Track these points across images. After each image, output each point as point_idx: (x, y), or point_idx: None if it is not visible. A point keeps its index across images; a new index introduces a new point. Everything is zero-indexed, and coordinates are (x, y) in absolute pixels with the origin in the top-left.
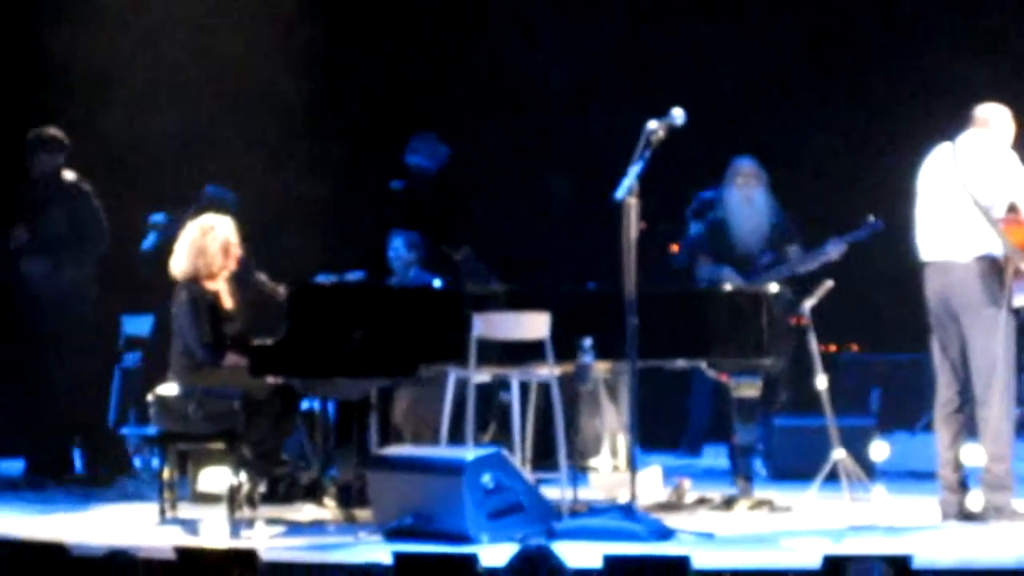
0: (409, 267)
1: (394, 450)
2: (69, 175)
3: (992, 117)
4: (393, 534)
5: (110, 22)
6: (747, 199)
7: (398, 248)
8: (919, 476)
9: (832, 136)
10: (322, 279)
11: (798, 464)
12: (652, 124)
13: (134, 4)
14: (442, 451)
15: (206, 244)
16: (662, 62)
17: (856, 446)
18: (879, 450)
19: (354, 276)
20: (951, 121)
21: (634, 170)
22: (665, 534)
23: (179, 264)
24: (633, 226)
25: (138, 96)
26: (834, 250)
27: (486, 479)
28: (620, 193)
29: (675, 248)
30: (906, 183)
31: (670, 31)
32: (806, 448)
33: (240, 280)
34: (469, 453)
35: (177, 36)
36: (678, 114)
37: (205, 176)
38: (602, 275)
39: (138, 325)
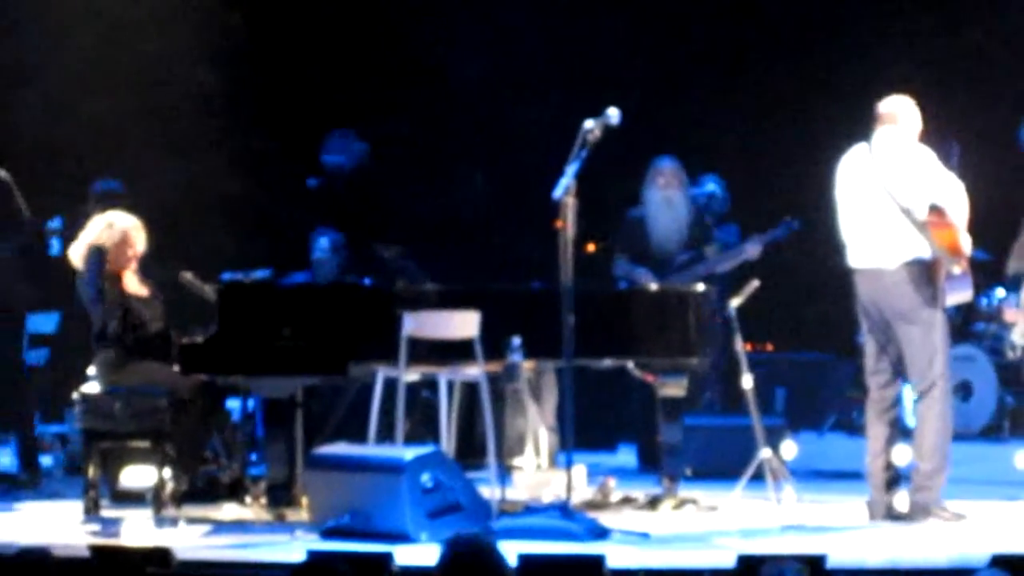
0: (331, 268)
1: (331, 449)
2: None
3: (899, 111)
4: (330, 533)
5: (25, 15)
6: (667, 200)
7: (325, 249)
8: (827, 476)
9: (747, 135)
10: (227, 277)
11: (714, 463)
12: (588, 123)
13: None
14: (380, 450)
15: (105, 241)
16: (575, 58)
17: (751, 445)
18: (788, 450)
19: (260, 274)
20: (865, 120)
21: (571, 169)
22: (601, 533)
23: (79, 256)
24: (570, 225)
25: (54, 90)
26: (752, 250)
27: (425, 478)
28: (558, 192)
29: (591, 248)
30: (821, 183)
31: (583, 26)
32: (722, 447)
33: (152, 274)
34: (408, 452)
35: (94, 29)
36: (613, 113)
37: (120, 170)
38: (521, 272)
39: (42, 323)
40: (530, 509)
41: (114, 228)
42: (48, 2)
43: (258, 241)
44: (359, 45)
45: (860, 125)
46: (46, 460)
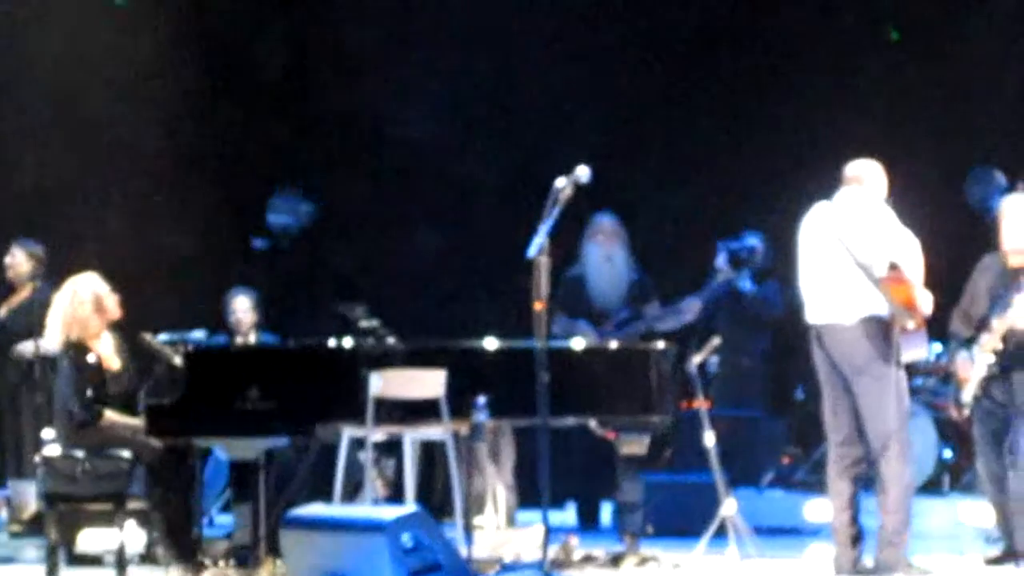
0: (252, 326)
1: (308, 509)
2: None
3: (864, 174)
4: None
5: None
6: (607, 256)
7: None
8: (768, 532)
9: (694, 191)
10: (164, 339)
11: (673, 520)
12: (560, 182)
13: None
14: (360, 510)
15: (76, 309)
16: (525, 116)
17: (709, 503)
18: (729, 507)
19: (195, 335)
20: (820, 178)
21: (544, 228)
22: None
23: (55, 336)
24: (544, 284)
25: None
26: (690, 307)
27: (405, 538)
28: (531, 251)
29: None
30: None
31: (533, 82)
32: (682, 504)
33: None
34: (389, 512)
35: (39, 87)
36: (583, 172)
37: (63, 229)
38: (471, 330)
39: None
40: (506, 568)
41: (80, 295)
42: None
43: (202, 301)
44: (308, 104)
45: (807, 181)
46: None
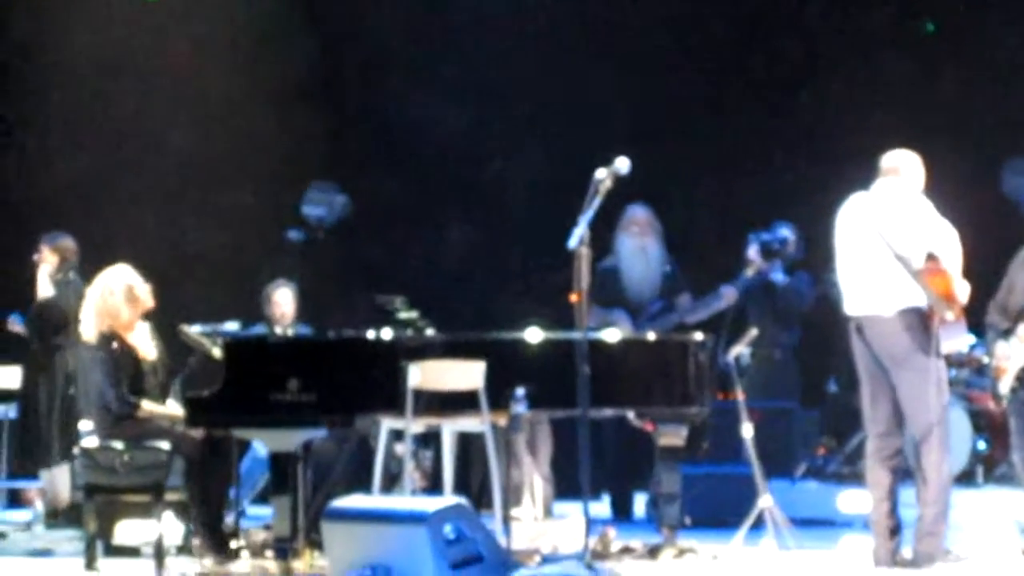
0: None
1: (349, 501)
2: None
3: (901, 164)
4: None
5: (3, 73)
6: (640, 247)
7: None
8: (802, 524)
9: (728, 182)
10: (198, 329)
11: (711, 511)
12: (600, 173)
13: (29, 54)
14: (399, 501)
15: (108, 301)
16: (556, 111)
17: (745, 494)
18: (766, 498)
19: (228, 326)
20: (852, 169)
21: (584, 219)
22: None
23: (89, 328)
24: (584, 275)
25: (34, 145)
26: (727, 297)
27: (447, 529)
28: (572, 243)
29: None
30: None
31: (567, 77)
32: (720, 496)
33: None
34: (430, 503)
35: (72, 86)
36: (623, 163)
37: (98, 225)
38: (500, 322)
39: (7, 377)
40: (546, 559)
41: (113, 287)
42: (26, 61)
43: (234, 294)
44: (340, 100)
45: (839, 172)
46: (27, 515)
